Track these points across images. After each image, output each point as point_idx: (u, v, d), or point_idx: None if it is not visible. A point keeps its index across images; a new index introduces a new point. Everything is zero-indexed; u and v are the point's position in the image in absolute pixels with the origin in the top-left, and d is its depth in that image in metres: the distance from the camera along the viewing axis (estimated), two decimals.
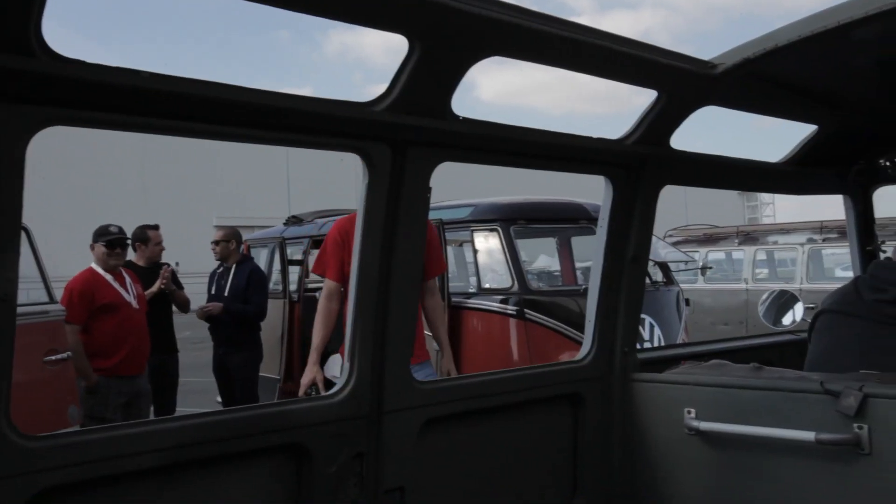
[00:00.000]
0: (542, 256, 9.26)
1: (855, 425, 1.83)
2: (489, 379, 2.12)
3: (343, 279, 3.87)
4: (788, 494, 1.96)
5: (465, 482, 2.00)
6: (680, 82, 2.00)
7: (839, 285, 2.39)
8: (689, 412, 2.13)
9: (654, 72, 1.91)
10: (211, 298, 6.86)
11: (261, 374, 7.10)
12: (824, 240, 10.87)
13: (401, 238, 1.76)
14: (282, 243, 8.04)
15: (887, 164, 2.77)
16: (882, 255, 2.56)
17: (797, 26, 1.86)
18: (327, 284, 3.97)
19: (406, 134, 1.70)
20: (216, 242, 6.82)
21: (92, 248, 5.43)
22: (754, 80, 2.11)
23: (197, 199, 29.93)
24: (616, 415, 2.28)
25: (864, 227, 3.01)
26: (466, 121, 1.79)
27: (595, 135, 2.13)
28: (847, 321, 2.20)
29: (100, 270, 5.36)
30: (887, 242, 2.43)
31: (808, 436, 1.88)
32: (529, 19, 1.59)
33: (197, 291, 7.19)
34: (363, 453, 1.75)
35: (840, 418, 1.85)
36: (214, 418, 1.57)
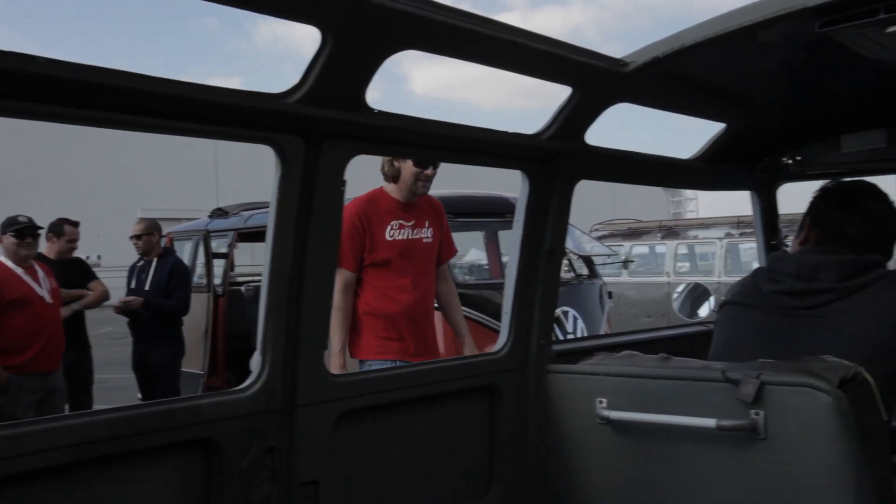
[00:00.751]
0: (472, 250, 9.33)
1: (752, 412, 1.91)
2: (405, 371, 2.13)
3: (360, 269, 3.60)
4: (692, 478, 2.04)
5: (382, 474, 2.01)
6: (592, 79, 2.04)
7: None
8: (600, 402, 2.18)
9: (568, 68, 1.95)
10: (131, 293, 6.68)
11: (184, 369, 6.96)
12: (741, 234, 11.28)
13: (314, 230, 1.75)
14: (206, 236, 7.89)
15: (790, 161, 2.90)
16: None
17: (704, 27, 1.93)
18: (341, 275, 3.48)
19: (319, 126, 1.70)
20: (138, 237, 6.65)
21: (0, 240, 5.21)
22: (664, 79, 2.18)
23: (121, 189, 29.01)
24: (531, 405, 2.32)
25: (770, 222, 3.14)
26: (381, 114, 1.79)
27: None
28: (747, 313, 2.27)
29: (9, 263, 5.13)
30: (790, 237, 2.53)
31: (710, 422, 1.95)
32: (444, 14, 1.61)
33: (119, 286, 6.99)
34: (275, 447, 1.74)
35: (739, 405, 1.93)
36: (122, 414, 1.54)
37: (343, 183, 1.80)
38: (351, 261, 3.56)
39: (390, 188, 3.71)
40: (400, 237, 3.68)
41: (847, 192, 2.34)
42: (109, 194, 28.51)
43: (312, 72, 1.60)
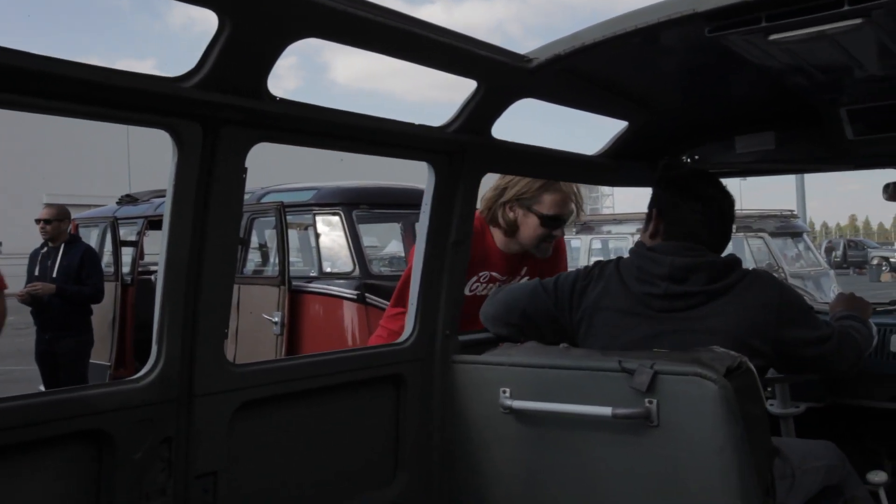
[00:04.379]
0: (393, 242, 9.33)
1: (646, 400, 1.99)
2: (309, 361, 2.12)
3: None
4: (590, 464, 2.11)
5: (285, 464, 2.00)
6: (496, 74, 2.08)
7: None
8: (504, 391, 2.23)
9: (471, 62, 1.98)
10: (34, 279, 6.42)
11: (91, 360, 6.75)
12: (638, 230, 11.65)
13: (213, 218, 1.73)
14: (114, 223, 7.66)
15: (689, 160, 3.02)
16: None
17: (602, 27, 1.98)
18: None
19: (218, 112, 1.67)
20: (47, 221, 6.38)
21: None
22: (567, 76, 2.23)
23: (23, 173, 27.69)
24: (436, 395, 2.35)
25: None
26: (283, 102, 1.78)
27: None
28: (624, 320, 2.29)
29: None
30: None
31: (606, 411, 2.02)
32: (345, 3, 1.60)
33: (18, 273, 6.71)
34: (171, 438, 1.71)
35: (634, 394, 2.00)
36: (6, 405, 1.49)
37: (244, 171, 1.78)
38: None
39: (496, 233, 2.96)
40: (480, 293, 2.87)
41: (685, 181, 2.44)
42: (12, 178, 27.20)
43: (210, 56, 1.58)
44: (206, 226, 1.72)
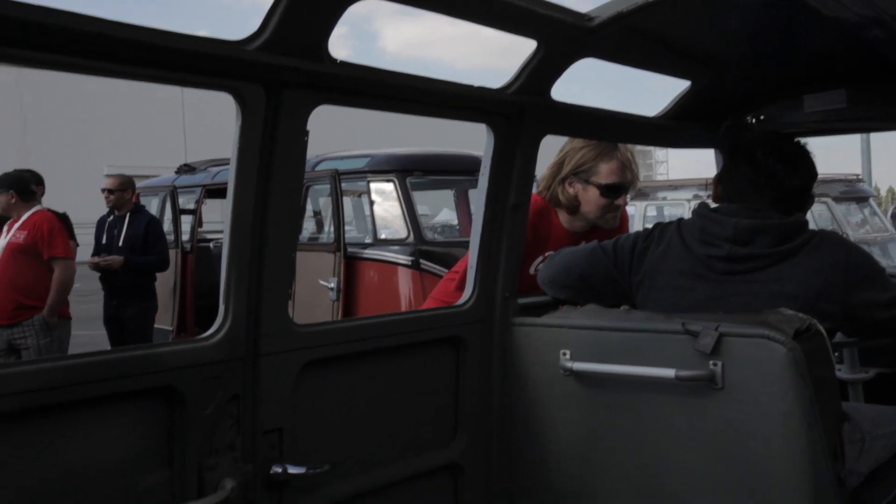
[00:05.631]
0: (444, 210, 9.34)
1: (710, 362, 1.96)
2: (371, 323, 2.14)
3: None
4: (651, 427, 2.09)
5: (347, 423, 2.03)
6: (557, 33, 2.04)
7: None
8: (563, 354, 2.22)
9: (531, 21, 1.94)
10: (101, 247, 6.62)
11: (155, 325, 6.96)
12: (709, 196, 11.39)
13: (276, 180, 1.75)
14: (173, 192, 7.82)
15: (754, 121, 2.93)
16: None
17: None
18: None
19: (280, 75, 1.68)
20: (111, 191, 6.57)
21: None
22: (629, 34, 2.18)
23: (84, 146, 28.41)
24: (496, 357, 2.36)
25: None
26: (344, 64, 1.78)
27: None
28: (688, 282, 2.25)
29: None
30: None
31: (669, 373, 2.00)
32: None
33: (86, 242, 6.92)
34: (239, 395, 1.76)
35: (698, 356, 1.98)
36: (83, 360, 1.54)
37: (306, 133, 1.79)
38: None
39: (561, 213, 2.91)
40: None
41: (741, 147, 2.37)
42: (73, 151, 27.95)
43: (272, 19, 1.58)
44: (270, 187, 1.74)
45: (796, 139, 2.42)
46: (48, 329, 5.46)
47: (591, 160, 2.82)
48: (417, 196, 6.37)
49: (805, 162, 2.33)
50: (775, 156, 2.30)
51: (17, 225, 5.54)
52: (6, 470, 1.44)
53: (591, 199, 2.83)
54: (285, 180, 1.77)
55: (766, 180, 2.27)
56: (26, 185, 5.63)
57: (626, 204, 2.93)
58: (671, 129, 2.82)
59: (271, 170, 1.73)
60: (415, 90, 1.97)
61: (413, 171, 6.22)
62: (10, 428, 1.45)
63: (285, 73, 1.68)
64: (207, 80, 1.61)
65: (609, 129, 2.65)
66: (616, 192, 2.83)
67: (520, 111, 2.23)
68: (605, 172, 2.82)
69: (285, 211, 1.79)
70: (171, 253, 7.36)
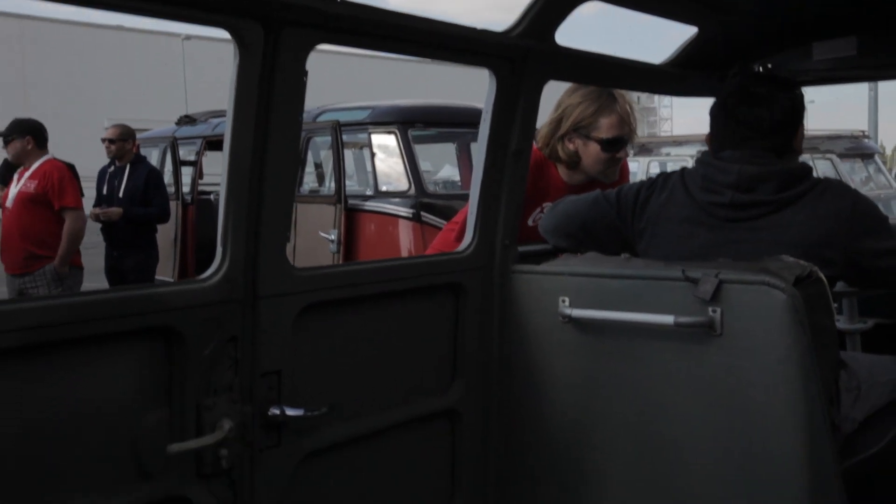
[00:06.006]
0: (446, 166, 9.29)
1: (710, 309, 1.96)
2: (370, 267, 2.14)
3: None
4: (649, 374, 2.10)
5: (346, 367, 2.04)
6: None
7: None
8: (563, 301, 2.22)
9: None
10: (102, 198, 6.62)
11: (156, 276, 6.98)
12: None
13: (275, 120, 1.72)
14: (173, 143, 7.78)
15: (760, 69, 2.88)
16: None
17: None
18: None
19: (279, 12, 1.65)
20: (111, 141, 6.53)
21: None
22: None
23: (84, 97, 28.20)
24: (495, 304, 2.36)
25: None
26: (344, 3, 1.74)
27: None
28: (690, 229, 2.24)
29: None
30: None
31: (668, 319, 2.00)
32: None
33: (88, 194, 6.89)
34: (237, 337, 1.76)
35: (697, 303, 1.97)
36: (82, 299, 1.54)
37: (305, 73, 1.77)
38: None
39: (560, 167, 2.92)
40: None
41: (717, 100, 2.35)
42: (74, 103, 27.76)
43: None
44: (269, 128, 1.72)
45: (769, 75, 2.38)
46: (59, 279, 5.48)
47: (590, 115, 2.80)
48: (420, 151, 6.34)
49: (781, 98, 2.27)
50: (747, 102, 2.26)
51: (27, 174, 5.50)
52: (7, 405, 1.46)
53: (591, 153, 2.83)
54: (284, 121, 1.75)
55: (746, 128, 2.24)
56: (42, 132, 5.61)
57: (626, 157, 2.92)
58: (677, 76, 2.78)
59: (270, 110, 1.71)
60: (416, 31, 1.94)
61: (415, 123, 6.18)
62: (12, 364, 1.45)
63: (285, 10, 1.64)
64: (206, 16, 1.58)
65: (614, 76, 2.62)
66: (617, 146, 2.83)
67: (523, 55, 2.20)
68: (606, 127, 2.81)
69: (284, 151, 1.77)
70: (172, 205, 7.35)
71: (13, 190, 5.54)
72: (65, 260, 5.48)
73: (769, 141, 2.22)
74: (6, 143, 5.68)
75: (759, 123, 2.23)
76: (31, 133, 5.51)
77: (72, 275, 5.60)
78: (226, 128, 1.71)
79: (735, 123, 2.27)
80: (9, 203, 5.50)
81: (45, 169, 5.48)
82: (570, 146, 2.83)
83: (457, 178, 7.66)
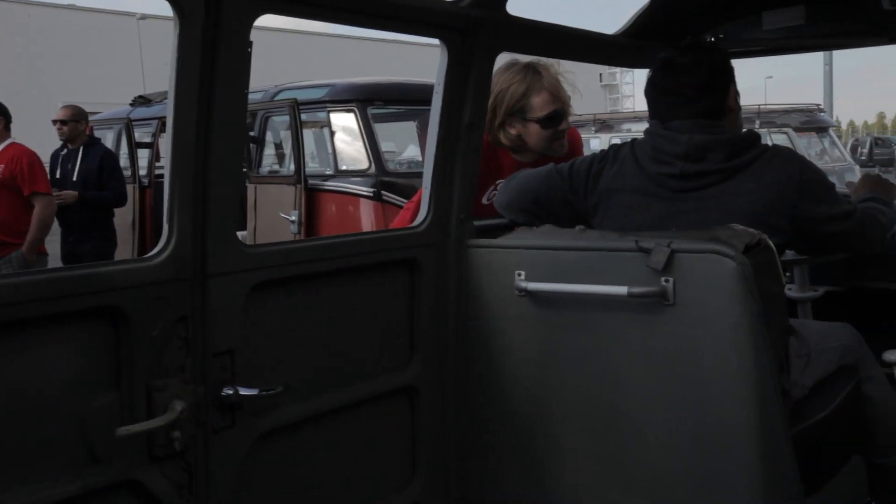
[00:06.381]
0: (410, 147, 9.24)
1: (662, 279, 1.98)
2: (322, 244, 2.11)
3: None
4: (605, 344, 2.12)
5: (300, 345, 2.02)
6: None
7: None
8: (518, 274, 2.22)
9: None
10: (56, 182, 6.45)
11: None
12: None
13: (220, 93, 1.68)
14: (128, 125, 7.63)
15: (712, 38, 2.90)
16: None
17: None
18: None
19: None
20: (63, 122, 6.36)
21: None
22: None
23: (39, 79, 27.50)
24: (451, 279, 2.35)
25: None
26: None
27: None
28: (641, 200, 2.25)
29: None
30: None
31: (622, 290, 2.01)
32: None
33: None
34: (187, 316, 1.73)
35: (650, 273, 1.99)
36: (22, 279, 1.50)
37: (249, 45, 1.72)
38: None
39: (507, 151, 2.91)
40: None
41: (652, 72, 2.36)
42: (27, 84, 27.05)
43: None
44: (213, 101, 1.68)
45: (692, 45, 2.38)
46: (27, 266, 5.31)
47: (520, 97, 2.78)
48: (382, 131, 6.28)
49: (702, 63, 2.28)
50: (671, 73, 2.28)
51: None
52: None
53: (533, 133, 2.83)
54: (229, 94, 1.71)
55: (672, 96, 2.25)
56: (9, 115, 5.41)
57: (568, 128, 2.92)
58: (630, 47, 2.78)
59: (214, 82, 1.67)
60: (364, 0, 1.91)
61: (374, 101, 6.12)
62: None
63: None
64: None
65: (567, 47, 2.61)
66: (555, 121, 2.82)
67: (474, 25, 2.18)
68: (539, 105, 2.79)
69: (230, 125, 1.73)
70: (129, 188, 7.21)
71: None
72: (34, 247, 5.31)
73: (698, 106, 2.23)
74: None
75: (683, 90, 2.24)
76: (2, 114, 5.33)
77: (38, 262, 5.45)
78: (168, 102, 1.67)
79: (662, 94, 2.29)
80: None
81: (11, 153, 5.29)
82: (512, 131, 2.84)
83: (420, 158, 7.62)
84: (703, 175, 2.17)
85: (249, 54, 1.73)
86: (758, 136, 2.24)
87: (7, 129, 5.35)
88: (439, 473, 2.37)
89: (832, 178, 2.39)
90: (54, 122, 6.47)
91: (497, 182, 2.84)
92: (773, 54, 2.96)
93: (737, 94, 2.36)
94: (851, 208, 2.22)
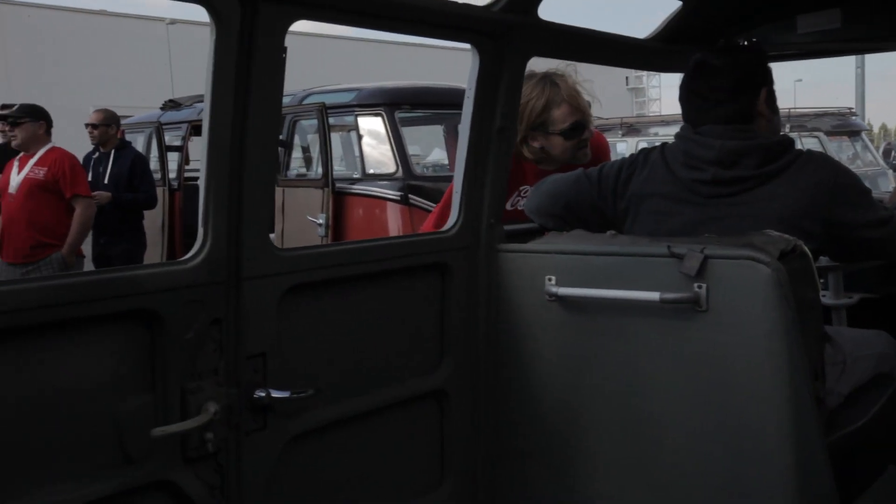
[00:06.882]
0: (435, 150, 9.26)
1: (695, 285, 1.95)
2: (354, 247, 2.12)
3: None
4: (635, 351, 2.10)
5: (332, 348, 2.03)
6: None
7: None
8: (549, 279, 2.22)
9: None
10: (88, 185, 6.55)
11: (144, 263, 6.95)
12: None
13: (255, 98, 1.70)
14: (159, 128, 7.72)
15: (745, 42, 2.87)
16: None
17: None
18: None
19: None
20: (95, 126, 6.46)
21: None
22: None
23: (70, 84, 27.93)
24: (482, 284, 2.35)
25: None
26: None
27: None
28: (673, 207, 2.23)
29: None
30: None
31: (654, 296, 1.99)
32: None
33: None
34: (221, 319, 1.74)
35: (683, 279, 1.97)
36: (58, 282, 1.52)
37: (284, 50, 1.74)
38: None
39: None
40: (522, 207, 2.74)
41: (686, 74, 2.33)
42: (57, 90, 27.48)
43: None
44: (248, 106, 1.70)
45: (727, 46, 2.36)
46: (66, 268, 5.41)
47: (541, 111, 2.78)
48: (409, 135, 6.30)
49: (736, 65, 2.25)
50: (704, 75, 2.25)
51: (32, 161, 5.38)
52: None
53: (556, 145, 2.83)
54: (264, 99, 1.72)
55: (703, 100, 2.23)
56: (51, 120, 5.55)
57: (591, 136, 2.91)
58: (662, 51, 2.76)
59: (249, 88, 1.69)
60: (395, 5, 1.91)
61: (402, 105, 6.14)
62: (5, 346, 1.43)
63: None
64: None
65: (598, 52, 2.60)
66: (578, 130, 2.83)
67: (506, 30, 2.18)
68: (560, 118, 2.78)
69: (264, 130, 1.75)
70: (159, 191, 7.30)
71: (17, 177, 5.42)
72: (74, 248, 5.44)
73: (728, 109, 2.20)
74: (16, 126, 5.45)
75: (712, 94, 2.22)
76: (45, 118, 5.45)
77: (76, 263, 5.56)
78: (204, 107, 1.68)
79: (695, 97, 2.26)
80: (12, 190, 5.40)
81: (54, 156, 5.40)
82: (535, 144, 2.84)
83: (446, 161, 7.63)
84: (736, 181, 2.14)
85: (284, 60, 1.74)
86: (792, 142, 2.21)
87: (48, 133, 5.46)
88: (468, 477, 2.36)
89: (865, 183, 2.35)
90: (86, 125, 6.58)
91: (521, 188, 2.86)
92: (807, 58, 2.92)
93: (772, 97, 2.33)
94: (888, 214, 2.18)
